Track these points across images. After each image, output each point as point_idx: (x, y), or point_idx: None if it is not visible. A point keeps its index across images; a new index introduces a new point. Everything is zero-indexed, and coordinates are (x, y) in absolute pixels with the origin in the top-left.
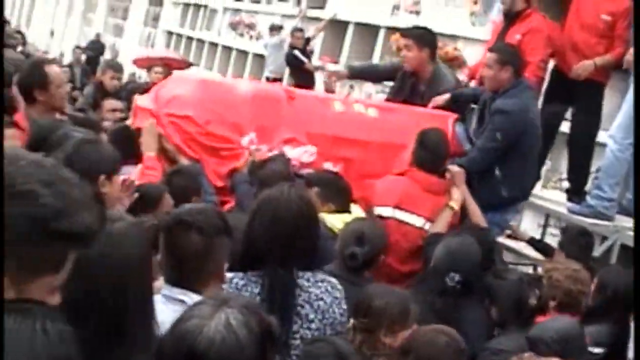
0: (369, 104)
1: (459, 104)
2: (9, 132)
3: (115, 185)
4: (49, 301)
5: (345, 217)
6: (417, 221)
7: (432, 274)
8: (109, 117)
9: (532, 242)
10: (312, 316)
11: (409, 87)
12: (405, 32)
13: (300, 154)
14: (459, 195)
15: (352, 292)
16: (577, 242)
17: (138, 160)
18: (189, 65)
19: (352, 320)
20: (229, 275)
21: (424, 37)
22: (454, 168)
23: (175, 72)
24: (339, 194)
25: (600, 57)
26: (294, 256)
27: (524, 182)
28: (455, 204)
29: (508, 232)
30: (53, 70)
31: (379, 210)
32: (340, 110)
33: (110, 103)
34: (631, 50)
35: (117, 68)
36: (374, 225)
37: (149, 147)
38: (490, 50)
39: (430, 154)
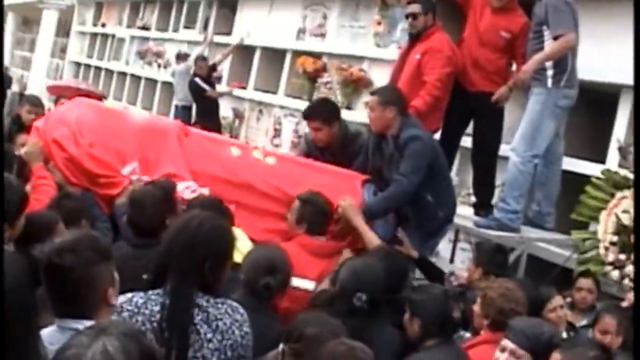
0: (270, 152)
1: None
2: None
3: (17, 229)
4: None
5: None
6: (308, 285)
7: (339, 296)
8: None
9: (421, 262)
10: (210, 336)
11: (318, 152)
12: (312, 116)
13: (182, 190)
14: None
15: (261, 321)
16: (494, 259)
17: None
18: (102, 98)
19: (282, 345)
20: (129, 294)
21: (335, 113)
22: (344, 201)
23: (76, 98)
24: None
25: (511, 79)
26: (195, 277)
27: (452, 200)
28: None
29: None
30: None
31: None
32: (236, 154)
33: (22, 137)
34: (523, 68)
35: (35, 102)
36: (280, 252)
37: (35, 159)
38: (372, 93)
39: (316, 215)
